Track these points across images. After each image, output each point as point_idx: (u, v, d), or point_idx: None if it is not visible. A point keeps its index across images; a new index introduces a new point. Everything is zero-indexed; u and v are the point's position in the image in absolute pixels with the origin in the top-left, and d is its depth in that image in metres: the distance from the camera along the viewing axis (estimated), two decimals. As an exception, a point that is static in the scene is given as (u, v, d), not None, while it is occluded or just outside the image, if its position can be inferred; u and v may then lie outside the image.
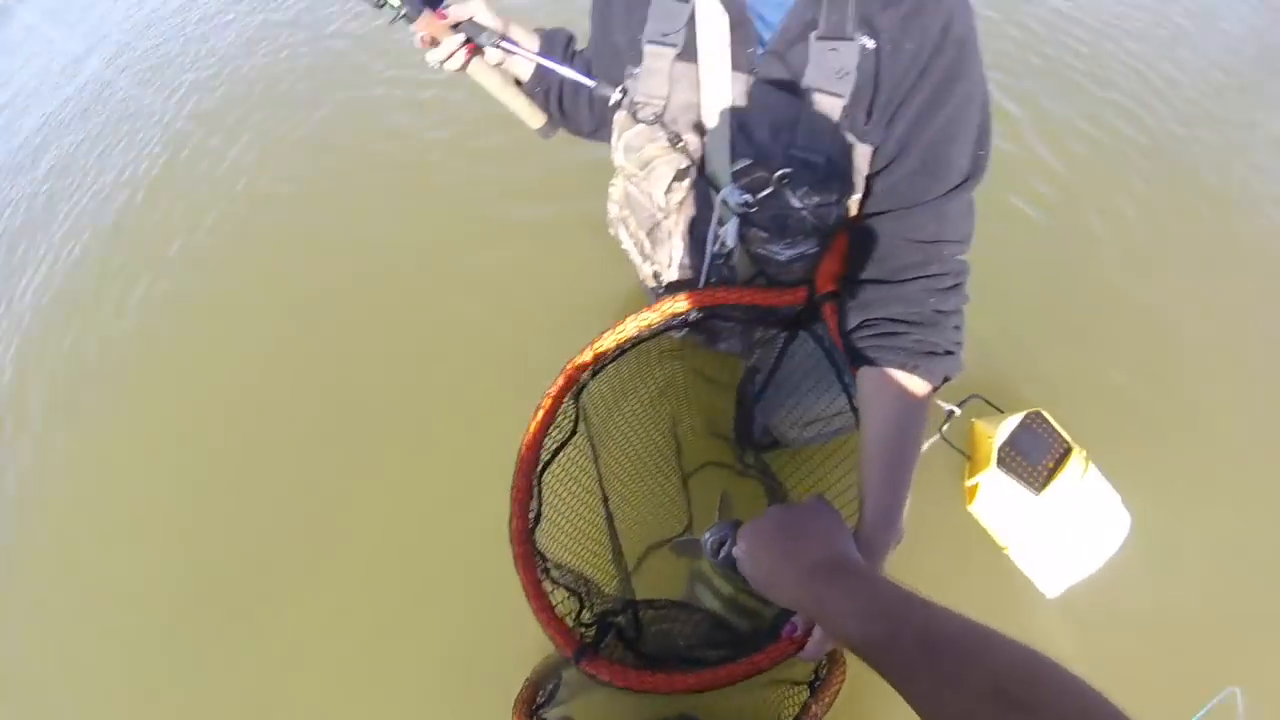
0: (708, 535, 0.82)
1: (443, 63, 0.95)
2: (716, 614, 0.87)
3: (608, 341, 0.95)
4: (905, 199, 0.81)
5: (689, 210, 0.98)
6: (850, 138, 0.80)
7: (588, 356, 0.93)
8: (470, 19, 0.94)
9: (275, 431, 1.70)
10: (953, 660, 0.45)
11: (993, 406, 1.33)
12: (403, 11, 0.90)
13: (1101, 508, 1.26)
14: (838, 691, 0.75)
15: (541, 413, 0.91)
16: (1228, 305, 1.82)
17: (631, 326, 0.95)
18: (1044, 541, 1.24)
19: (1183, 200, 2.05)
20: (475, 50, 0.96)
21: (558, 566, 0.86)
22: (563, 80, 1.02)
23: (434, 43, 0.93)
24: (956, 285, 0.82)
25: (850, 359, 0.86)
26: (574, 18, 1.13)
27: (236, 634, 1.43)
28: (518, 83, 1.08)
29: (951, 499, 1.32)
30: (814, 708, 0.71)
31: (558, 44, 1.07)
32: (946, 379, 0.81)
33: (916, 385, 0.80)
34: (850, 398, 0.90)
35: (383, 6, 0.91)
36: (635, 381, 1.09)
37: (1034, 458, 1.24)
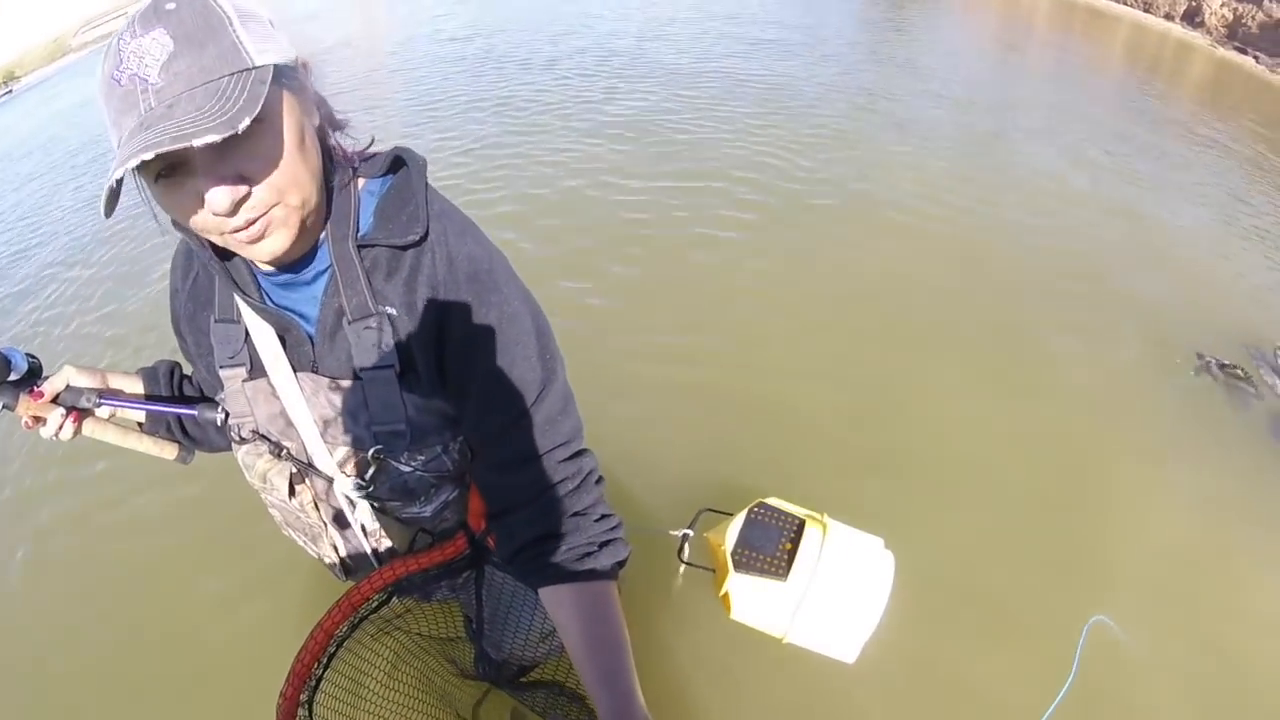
0: None
1: (55, 435, 0.92)
2: None
3: (315, 644, 0.89)
4: (492, 434, 0.85)
5: (327, 507, 0.96)
6: (416, 398, 0.84)
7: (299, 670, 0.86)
8: (66, 387, 0.92)
9: None
10: None
11: (721, 513, 1.38)
12: (1, 403, 0.90)
13: (858, 558, 1.28)
14: None
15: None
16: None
17: (330, 626, 0.90)
18: (816, 617, 1.24)
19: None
20: (82, 414, 0.95)
21: None
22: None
23: (40, 420, 0.91)
24: (584, 479, 0.87)
25: (525, 583, 0.87)
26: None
27: None
28: (140, 425, 1.05)
29: (716, 614, 1.34)
30: None
31: (160, 378, 1.04)
32: (619, 564, 0.85)
33: (592, 586, 0.82)
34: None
35: None
36: (362, 673, 1.02)
37: (768, 547, 1.27)
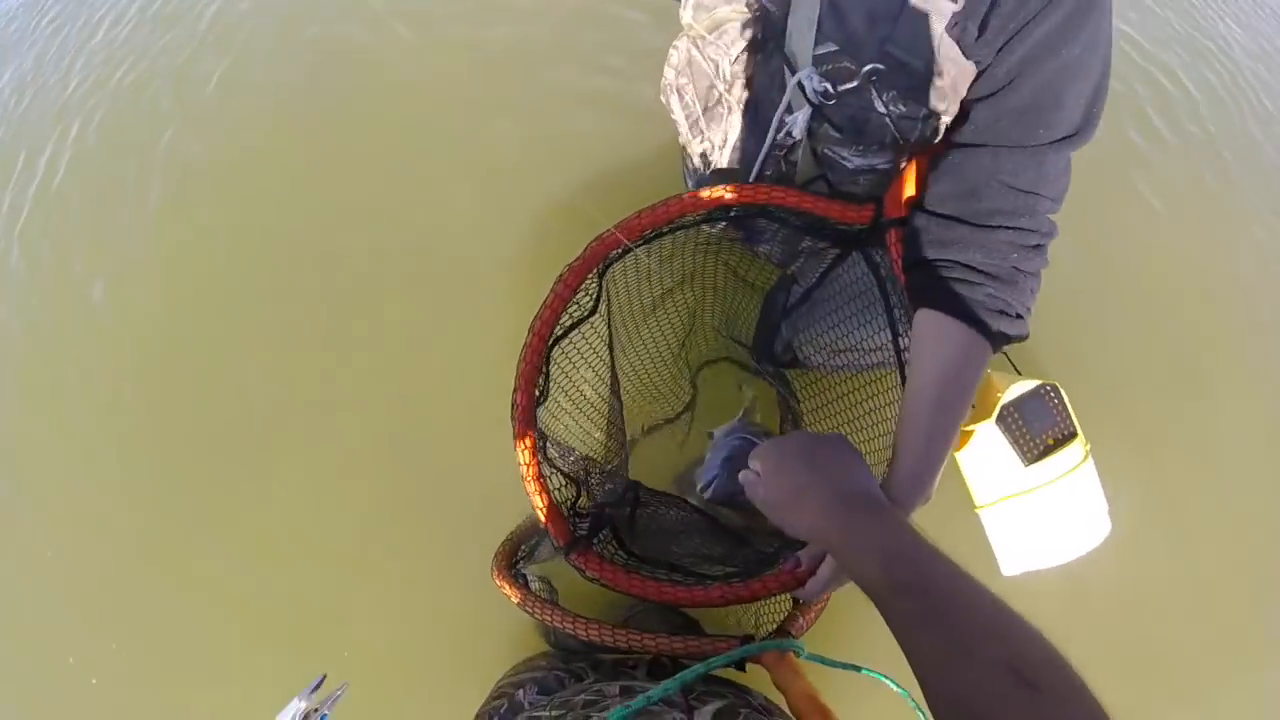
0: (707, 468, 0.80)
1: None
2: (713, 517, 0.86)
3: (644, 220, 0.86)
4: (1007, 137, 0.71)
5: (756, 88, 0.87)
6: (955, 50, 0.69)
7: (619, 234, 0.85)
8: None
9: (264, 287, 1.53)
10: (972, 626, 0.44)
11: (1011, 364, 1.28)
12: None
13: (1085, 505, 1.22)
14: (822, 609, 0.75)
15: (563, 285, 0.84)
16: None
17: (675, 208, 0.86)
18: (1016, 516, 1.21)
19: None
20: None
21: (557, 446, 0.83)
22: None
23: None
24: (1040, 246, 0.74)
25: (911, 296, 0.78)
26: None
27: (228, 483, 1.35)
28: None
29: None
30: (800, 621, 0.71)
31: None
32: (1006, 338, 0.74)
33: (979, 343, 0.73)
34: (896, 335, 0.84)
35: None
36: (662, 267, 1.01)
37: (1036, 428, 1.19)
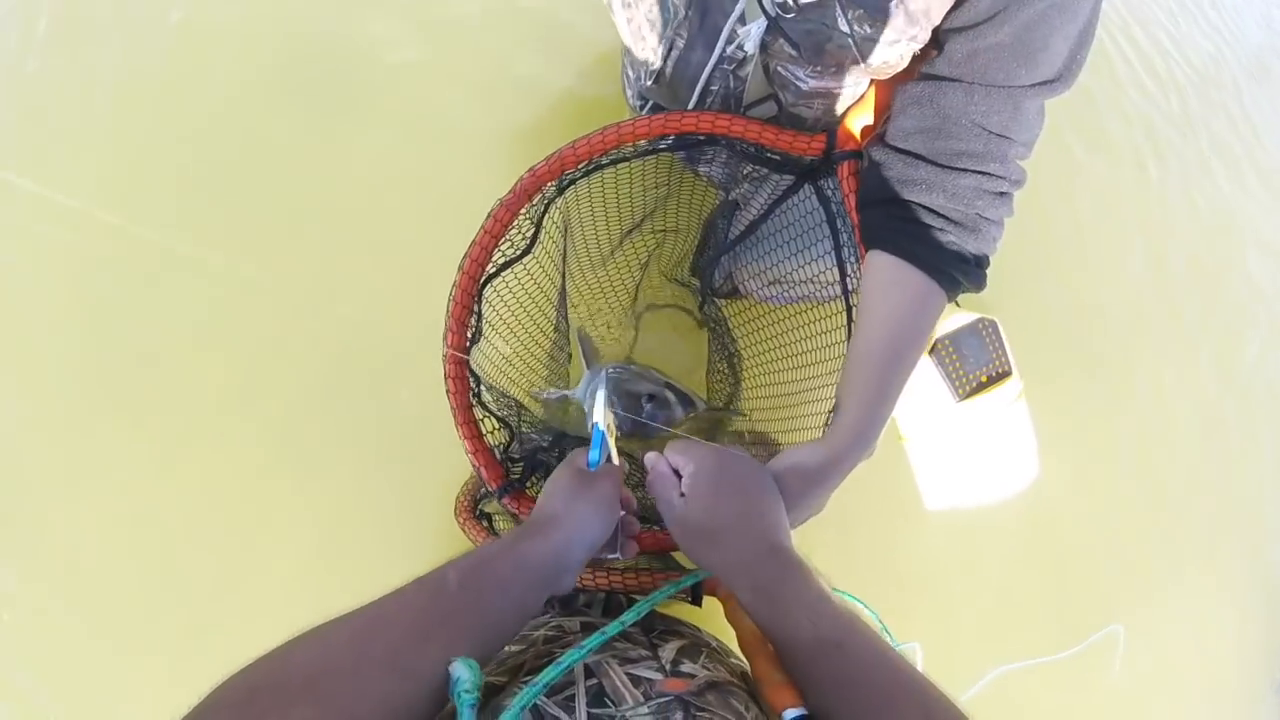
0: (594, 407, 0.76)
1: None
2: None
3: (578, 151, 0.79)
4: (984, 75, 0.66)
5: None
6: None
7: (554, 166, 0.79)
8: None
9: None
10: (894, 686, 0.46)
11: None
12: None
13: (1014, 446, 1.22)
14: None
15: (493, 221, 0.78)
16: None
17: (612, 137, 0.79)
18: (943, 451, 1.21)
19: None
20: None
21: (491, 390, 0.81)
22: None
23: None
24: (1007, 194, 0.71)
25: (864, 236, 0.75)
26: None
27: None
28: None
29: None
30: None
31: None
32: (958, 288, 0.72)
33: (936, 292, 0.70)
34: (845, 276, 0.81)
35: None
36: (609, 205, 0.95)
37: (970, 364, 1.18)
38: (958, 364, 1.19)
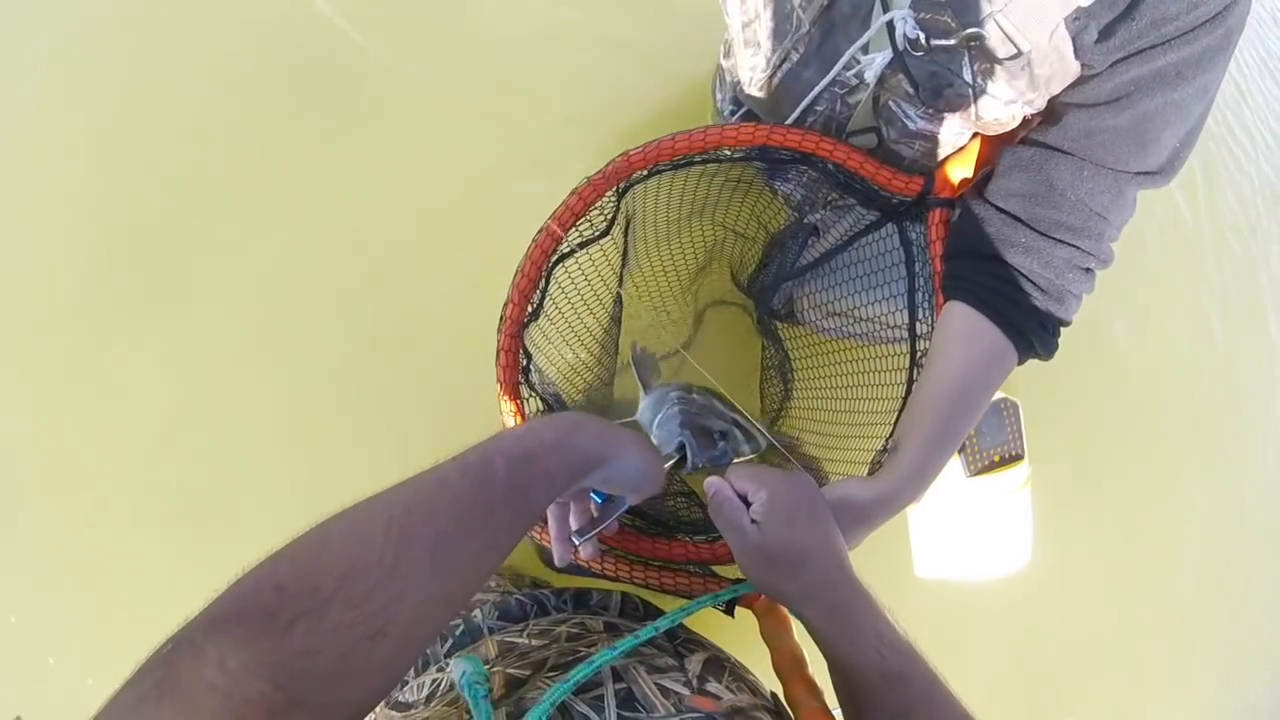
0: (666, 438, 0.78)
1: None
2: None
3: (678, 145, 0.78)
4: (1097, 154, 0.67)
5: (835, 13, 0.76)
6: (1068, 46, 0.62)
7: (649, 155, 0.77)
8: None
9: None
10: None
11: None
12: None
13: (1013, 530, 1.22)
14: None
15: (576, 198, 0.76)
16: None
17: (714, 138, 0.78)
18: (945, 522, 1.20)
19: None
20: None
21: (539, 372, 0.78)
22: None
23: None
24: (1092, 271, 0.72)
25: (948, 285, 0.75)
26: None
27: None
28: None
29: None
30: None
31: None
32: (1033, 352, 0.72)
33: (1010, 350, 0.71)
34: (914, 320, 0.80)
35: None
36: (684, 198, 0.93)
37: (986, 441, 1.17)
38: (974, 440, 1.18)
